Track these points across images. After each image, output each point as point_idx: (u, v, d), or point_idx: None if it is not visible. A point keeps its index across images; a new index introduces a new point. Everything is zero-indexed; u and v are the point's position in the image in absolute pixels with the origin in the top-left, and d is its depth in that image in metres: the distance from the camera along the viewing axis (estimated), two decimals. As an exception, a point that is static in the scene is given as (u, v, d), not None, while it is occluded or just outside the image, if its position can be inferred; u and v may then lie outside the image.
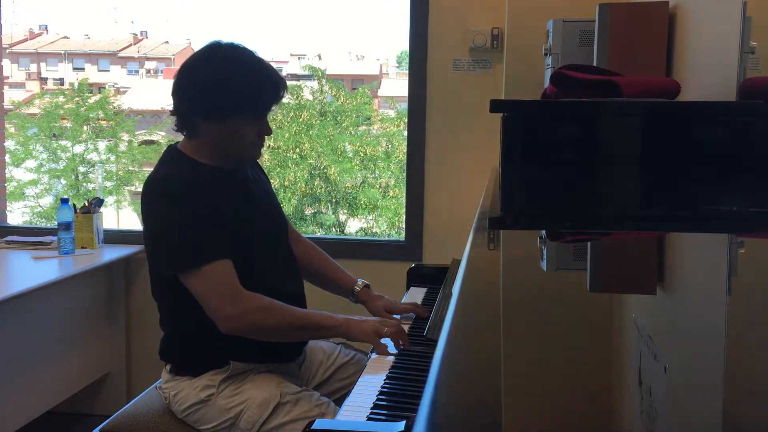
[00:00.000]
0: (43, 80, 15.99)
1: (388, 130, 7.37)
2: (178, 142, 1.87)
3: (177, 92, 1.78)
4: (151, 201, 1.76)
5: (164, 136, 8.42)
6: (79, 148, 7.83)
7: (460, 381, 0.66)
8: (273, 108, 1.83)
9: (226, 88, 1.73)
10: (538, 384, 0.66)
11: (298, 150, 7.10)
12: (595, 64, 1.96)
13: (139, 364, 3.32)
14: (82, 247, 3.08)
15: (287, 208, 6.77)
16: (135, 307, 3.30)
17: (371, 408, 1.36)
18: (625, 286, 1.05)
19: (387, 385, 1.47)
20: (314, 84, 7.39)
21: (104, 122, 8.11)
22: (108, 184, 7.75)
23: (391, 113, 7.79)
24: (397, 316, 1.96)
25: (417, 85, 3.09)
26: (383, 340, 1.71)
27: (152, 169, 1.83)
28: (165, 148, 1.90)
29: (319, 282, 2.12)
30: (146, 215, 1.79)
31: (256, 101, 1.77)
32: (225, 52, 1.78)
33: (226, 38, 1.83)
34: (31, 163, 7.68)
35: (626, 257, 1.22)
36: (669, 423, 0.57)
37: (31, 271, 2.80)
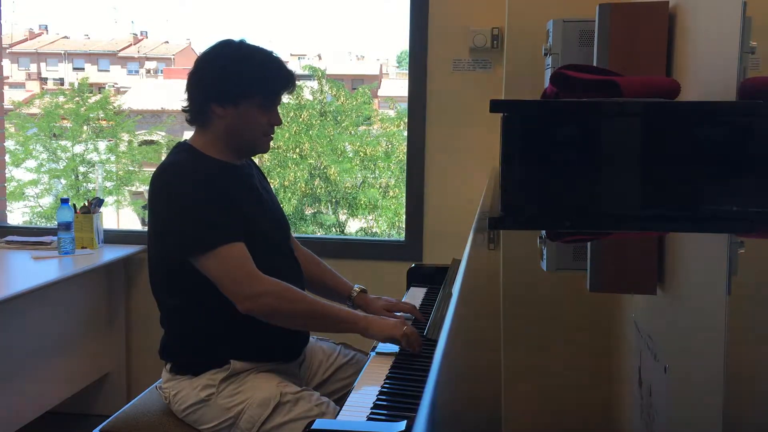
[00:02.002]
0: (43, 80, 16.00)
1: (388, 130, 7.37)
2: (186, 139, 1.90)
3: (193, 82, 1.84)
4: (161, 188, 1.78)
5: (164, 136, 8.43)
6: (79, 148, 7.84)
7: (460, 381, 0.66)
8: (283, 96, 1.89)
9: (240, 72, 1.80)
10: (538, 384, 0.66)
11: (298, 150, 7.11)
12: (595, 64, 1.96)
13: (139, 364, 3.31)
14: (82, 247, 3.08)
15: (287, 208, 6.77)
16: (135, 307, 3.30)
17: (371, 408, 1.36)
18: (625, 286, 1.05)
19: (387, 385, 1.47)
20: (314, 84, 7.40)
21: (104, 122, 8.12)
22: (108, 184, 7.76)
23: (391, 113, 7.80)
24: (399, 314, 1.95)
25: (417, 85, 3.09)
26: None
27: (160, 163, 1.85)
28: (171, 146, 1.92)
29: (316, 289, 2.12)
30: (156, 203, 1.79)
31: (269, 86, 1.83)
32: (238, 44, 1.86)
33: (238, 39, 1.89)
34: (31, 163, 7.69)
35: (626, 257, 1.22)
36: (669, 423, 0.57)
37: (31, 271, 2.80)
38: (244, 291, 1.70)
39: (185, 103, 1.85)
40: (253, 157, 2.02)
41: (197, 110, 1.83)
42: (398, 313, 1.95)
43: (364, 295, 2.06)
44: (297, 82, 1.91)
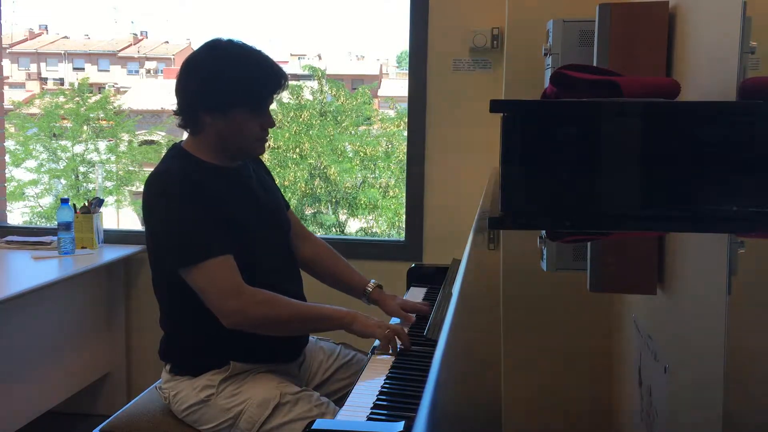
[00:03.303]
0: (43, 80, 15.99)
1: (388, 130, 7.37)
2: (182, 141, 1.88)
3: (180, 88, 1.80)
4: (151, 198, 1.77)
5: (164, 136, 8.43)
6: (79, 148, 7.83)
7: (460, 381, 0.66)
8: (275, 98, 1.85)
9: (228, 80, 1.75)
10: (538, 384, 0.66)
11: (298, 150, 7.10)
12: (595, 64, 1.96)
13: (139, 364, 3.32)
14: (82, 247, 3.08)
15: (287, 208, 6.74)
16: (135, 307, 3.30)
17: (371, 408, 1.36)
18: (625, 286, 1.05)
19: (387, 385, 1.47)
20: (314, 84, 7.40)
21: (104, 122, 8.11)
22: (108, 184, 7.75)
23: (391, 113, 7.80)
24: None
25: (417, 85, 3.09)
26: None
27: (154, 167, 1.84)
28: (169, 147, 1.90)
29: (330, 282, 2.12)
30: (147, 212, 1.79)
31: (257, 91, 1.79)
32: (225, 46, 1.81)
33: (225, 37, 1.84)
34: (31, 163, 7.69)
35: (626, 257, 1.22)
36: (669, 423, 0.57)
37: (31, 271, 2.80)
38: (228, 306, 1.69)
39: (175, 107, 1.83)
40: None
41: (187, 117, 1.81)
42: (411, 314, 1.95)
43: (380, 290, 2.05)
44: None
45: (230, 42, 1.81)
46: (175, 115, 1.84)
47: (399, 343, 1.68)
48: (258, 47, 1.84)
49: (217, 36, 1.83)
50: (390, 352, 1.68)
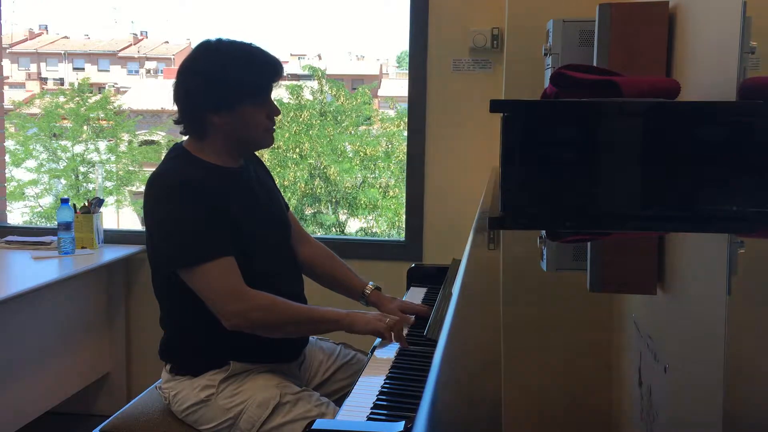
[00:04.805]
0: (43, 80, 15.99)
1: (388, 130, 7.38)
2: (183, 141, 1.88)
3: (181, 93, 1.80)
4: (152, 198, 1.77)
5: (164, 136, 8.44)
6: (79, 148, 7.84)
7: (460, 381, 0.66)
8: (274, 86, 1.86)
9: (227, 76, 1.76)
10: (538, 384, 0.66)
11: (298, 150, 7.11)
12: (595, 64, 1.96)
13: (139, 364, 3.32)
14: (82, 247, 3.08)
15: (287, 208, 6.75)
16: (135, 307, 3.30)
17: (371, 408, 1.36)
18: (625, 286, 1.05)
19: (387, 385, 1.47)
20: (314, 84, 7.40)
21: (104, 122, 8.12)
22: (108, 184, 7.76)
23: (391, 113, 7.80)
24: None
25: (417, 85, 3.09)
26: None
27: (156, 168, 1.84)
28: (170, 147, 1.91)
29: (328, 284, 2.12)
30: (148, 213, 1.79)
31: (257, 81, 1.80)
32: (216, 45, 1.81)
33: (213, 37, 1.85)
34: (31, 163, 7.70)
35: (626, 257, 1.22)
36: (669, 423, 0.57)
37: (31, 271, 2.80)
38: (230, 308, 1.69)
39: (176, 116, 1.83)
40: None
41: (192, 122, 1.81)
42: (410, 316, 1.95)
43: (378, 293, 2.05)
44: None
45: (219, 41, 1.82)
46: (176, 123, 1.84)
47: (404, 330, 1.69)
48: (248, 41, 1.84)
49: (206, 38, 1.83)
50: (393, 341, 1.69)
